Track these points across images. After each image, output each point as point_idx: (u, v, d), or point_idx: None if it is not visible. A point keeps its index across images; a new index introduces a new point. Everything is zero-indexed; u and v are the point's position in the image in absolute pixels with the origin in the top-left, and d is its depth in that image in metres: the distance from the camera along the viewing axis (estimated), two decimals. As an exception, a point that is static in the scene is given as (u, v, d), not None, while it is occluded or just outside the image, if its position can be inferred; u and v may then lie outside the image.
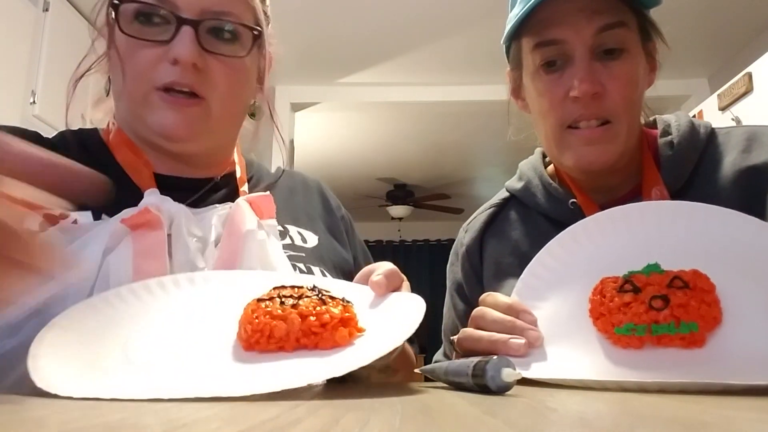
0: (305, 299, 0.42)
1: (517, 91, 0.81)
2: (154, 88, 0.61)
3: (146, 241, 0.56)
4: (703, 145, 0.75)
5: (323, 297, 0.42)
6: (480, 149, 4.80)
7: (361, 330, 0.43)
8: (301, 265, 0.66)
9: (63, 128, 0.71)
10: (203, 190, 0.69)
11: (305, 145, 4.34)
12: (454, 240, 0.91)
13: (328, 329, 0.40)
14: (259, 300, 0.42)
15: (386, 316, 0.46)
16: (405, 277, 0.55)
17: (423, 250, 6.74)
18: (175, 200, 0.61)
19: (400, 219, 6.17)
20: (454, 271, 0.89)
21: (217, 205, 0.65)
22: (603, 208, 0.73)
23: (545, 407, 0.31)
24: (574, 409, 0.30)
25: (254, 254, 0.60)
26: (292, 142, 3.66)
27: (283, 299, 0.41)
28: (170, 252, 0.57)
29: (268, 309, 0.40)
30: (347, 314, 0.42)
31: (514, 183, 0.86)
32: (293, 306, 0.41)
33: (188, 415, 0.26)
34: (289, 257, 0.65)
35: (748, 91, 2.27)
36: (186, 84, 0.61)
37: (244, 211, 0.63)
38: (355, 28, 2.95)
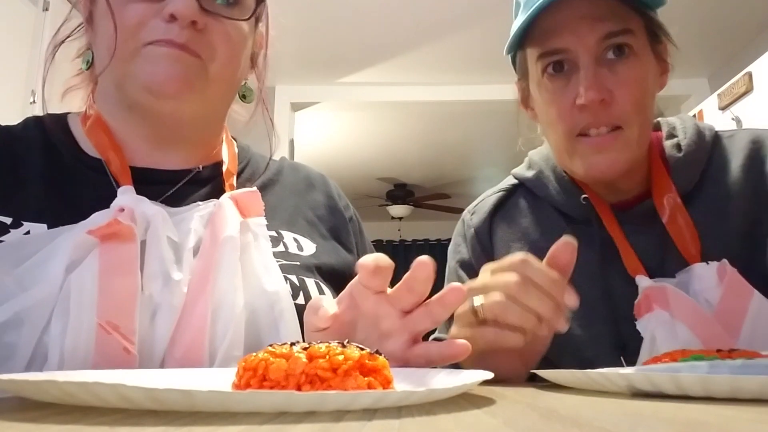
0: (322, 344, 0.33)
1: (525, 100, 0.80)
2: (144, 44, 0.55)
3: (115, 255, 0.49)
4: (709, 147, 0.75)
5: (345, 344, 0.33)
6: (480, 149, 4.80)
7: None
8: (293, 277, 0.60)
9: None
10: (182, 182, 0.63)
11: (305, 145, 4.33)
12: (453, 240, 0.90)
13: (339, 374, 0.30)
14: (270, 344, 0.34)
15: (432, 377, 0.37)
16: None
17: (423, 250, 6.73)
18: (151, 195, 0.56)
19: (400, 219, 6.17)
20: (459, 251, 0.86)
21: (200, 203, 0.59)
22: (613, 207, 0.74)
23: (545, 407, 0.31)
24: (573, 409, 0.30)
25: (232, 266, 0.53)
26: (292, 141, 3.66)
27: (295, 344, 0.33)
28: (143, 261, 0.51)
29: (271, 349, 0.32)
30: (370, 361, 0.32)
31: (524, 171, 0.84)
32: (304, 348, 0.32)
33: (188, 415, 0.26)
34: (281, 266, 0.60)
35: (748, 90, 2.27)
36: (182, 44, 0.55)
37: (225, 213, 0.57)
38: (355, 28, 2.95)
